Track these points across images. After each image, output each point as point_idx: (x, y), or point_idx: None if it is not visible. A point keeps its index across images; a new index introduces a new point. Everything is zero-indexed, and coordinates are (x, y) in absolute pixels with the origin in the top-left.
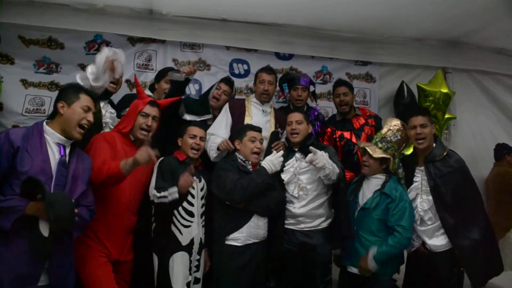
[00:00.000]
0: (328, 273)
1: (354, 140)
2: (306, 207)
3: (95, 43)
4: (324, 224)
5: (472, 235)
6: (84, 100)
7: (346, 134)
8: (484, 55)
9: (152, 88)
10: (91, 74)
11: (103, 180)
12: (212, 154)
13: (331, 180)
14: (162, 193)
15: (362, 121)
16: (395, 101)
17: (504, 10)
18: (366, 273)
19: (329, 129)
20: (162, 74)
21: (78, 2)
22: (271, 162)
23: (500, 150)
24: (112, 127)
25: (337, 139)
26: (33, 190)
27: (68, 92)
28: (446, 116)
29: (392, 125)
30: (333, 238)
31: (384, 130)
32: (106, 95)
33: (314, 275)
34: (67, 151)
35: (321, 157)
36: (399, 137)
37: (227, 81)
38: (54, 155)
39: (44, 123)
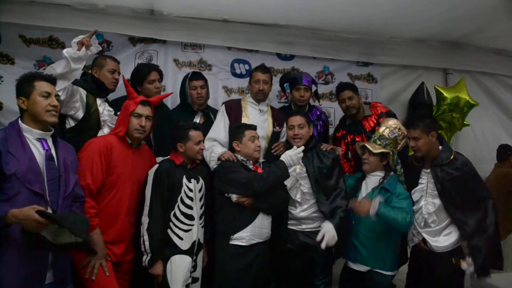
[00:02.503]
0: (329, 273)
1: None
2: (307, 211)
3: None
4: None
5: (484, 229)
6: (40, 86)
7: (358, 138)
8: (485, 56)
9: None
10: (69, 53)
11: None
12: (213, 165)
13: None
14: (148, 250)
15: (373, 122)
16: (411, 100)
17: (504, 11)
18: (360, 213)
19: (338, 134)
20: (141, 75)
21: (79, 2)
22: (289, 157)
23: (504, 151)
24: (110, 125)
25: (349, 144)
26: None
27: (22, 85)
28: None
29: (389, 124)
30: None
31: (381, 129)
32: (103, 92)
33: (314, 275)
34: (50, 143)
35: (330, 237)
36: (396, 134)
37: (195, 76)
38: (39, 152)
39: (20, 121)
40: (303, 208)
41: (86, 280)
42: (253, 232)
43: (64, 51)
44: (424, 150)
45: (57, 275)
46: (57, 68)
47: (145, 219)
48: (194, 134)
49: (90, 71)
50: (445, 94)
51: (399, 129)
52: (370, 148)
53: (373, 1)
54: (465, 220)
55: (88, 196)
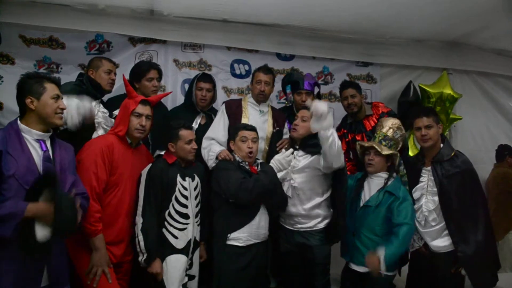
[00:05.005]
0: (326, 273)
1: None
2: (299, 207)
3: (96, 43)
4: (321, 225)
5: (475, 237)
6: (51, 89)
7: (358, 137)
8: (485, 56)
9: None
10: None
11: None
12: (211, 163)
13: (332, 156)
14: (144, 250)
15: (374, 121)
16: (399, 99)
17: (504, 11)
18: (376, 274)
19: (339, 133)
20: (140, 72)
21: (79, 2)
22: (278, 161)
23: (502, 151)
24: (104, 127)
25: (350, 143)
26: (41, 189)
27: (32, 85)
28: (450, 117)
29: (392, 124)
30: (330, 238)
31: (385, 129)
32: (99, 94)
33: (312, 275)
34: (48, 144)
35: (323, 104)
36: (399, 135)
37: (204, 77)
38: (37, 152)
39: (18, 121)
40: (295, 203)
41: (88, 286)
42: (250, 233)
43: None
44: (434, 139)
45: (52, 278)
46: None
47: (139, 219)
48: (184, 133)
49: (86, 72)
50: (430, 91)
51: (401, 129)
52: (379, 150)
53: (373, 1)
54: (457, 224)
55: (94, 200)
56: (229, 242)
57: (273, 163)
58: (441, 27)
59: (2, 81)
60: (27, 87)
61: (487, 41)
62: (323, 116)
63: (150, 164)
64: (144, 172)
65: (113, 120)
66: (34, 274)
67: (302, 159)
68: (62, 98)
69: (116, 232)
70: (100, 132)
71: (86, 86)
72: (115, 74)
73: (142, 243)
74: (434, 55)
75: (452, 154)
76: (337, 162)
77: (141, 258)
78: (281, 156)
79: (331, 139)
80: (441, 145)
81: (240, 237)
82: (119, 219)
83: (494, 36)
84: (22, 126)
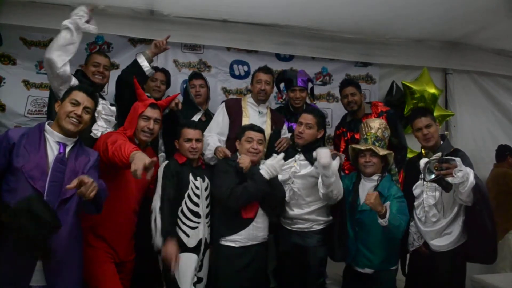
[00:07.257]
0: (321, 275)
1: None
2: (297, 211)
3: (96, 45)
4: (317, 227)
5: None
6: (74, 94)
7: (357, 136)
8: (485, 56)
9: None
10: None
11: (114, 155)
12: (207, 153)
13: (332, 198)
14: (160, 229)
15: None
16: (384, 99)
17: (504, 11)
18: (371, 205)
19: (338, 131)
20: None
21: (79, 2)
22: (271, 166)
23: (502, 151)
24: (105, 117)
25: (349, 141)
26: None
27: (64, 93)
28: (442, 113)
29: (379, 124)
30: (327, 242)
31: (374, 130)
32: (95, 89)
33: (308, 276)
34: (68, 149)
35: (327, 154)
36: (387, 134)
37: (195, 76)
38: (53, 153)
39: (46, 123)
40: (294, 207)
41: (89, 280)
42: (247, 235)
43: (67, 22)
44: (436, 137)
45: (50, 279)
46: (59, 40)
47: (156, 203)
48: (185, 131)
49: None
50: (413, 88)
51: (388, 128)
52: (376, 150)
53: (373, 2)
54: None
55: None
56: (224, 243)
57: (264, 168)
58: (441, 27)
59: (4, 83)
60: (63, 95)
61: (487, 41)
62: (328, 166)
63: (167, 161)
64: (161, 170)
65: (112, 108)
66: (24, 269)
67: (303, 165)
68: (86, 108)
69: (120, 231)
70: (100, 122)
71: (79, 80)
72: (105, 67)
73: (159, 222)
74: (434, 55)
75: (452, 150)
76: (336, 201)
77: (155, 237)
78: (274, 161)
79: (333, 180)
80: (441, 142)
81: (236, 239)
82: (124, 219)
83: (494, 36)
84: (47, 127)
